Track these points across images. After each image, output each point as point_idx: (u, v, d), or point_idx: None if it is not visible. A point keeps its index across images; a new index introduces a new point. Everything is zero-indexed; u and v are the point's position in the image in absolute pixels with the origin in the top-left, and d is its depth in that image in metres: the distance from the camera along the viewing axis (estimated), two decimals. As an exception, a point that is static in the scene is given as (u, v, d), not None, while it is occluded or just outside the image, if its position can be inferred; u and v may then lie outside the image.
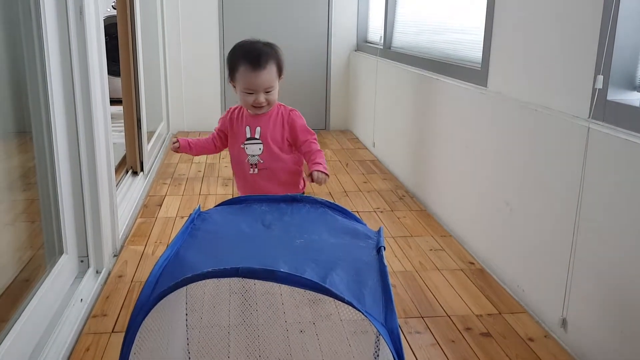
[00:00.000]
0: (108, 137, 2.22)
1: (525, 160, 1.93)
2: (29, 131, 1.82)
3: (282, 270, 0.83)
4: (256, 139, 1.70)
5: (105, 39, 2.21)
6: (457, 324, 1.77)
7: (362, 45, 4.50)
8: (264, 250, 0.96)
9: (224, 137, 1.79)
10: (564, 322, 1.69)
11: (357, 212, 2.75)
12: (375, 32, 4.22)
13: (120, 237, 2.34)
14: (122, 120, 3.17)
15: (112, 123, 2.36)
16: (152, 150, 3.57)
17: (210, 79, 4.53)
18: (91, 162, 2.02)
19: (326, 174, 1.63)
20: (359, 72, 4.39)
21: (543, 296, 1.82)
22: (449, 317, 1.82)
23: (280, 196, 1.21)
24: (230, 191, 3.06)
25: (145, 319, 0.84)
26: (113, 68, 3.92)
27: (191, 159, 3.71)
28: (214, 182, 3.21)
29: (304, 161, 1.73)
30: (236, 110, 1.76)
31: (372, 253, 0.98)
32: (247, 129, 1.71)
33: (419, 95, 3.02)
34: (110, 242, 2.21)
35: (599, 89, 1.56)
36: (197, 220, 1.05)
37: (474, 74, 2.40)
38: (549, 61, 1.82)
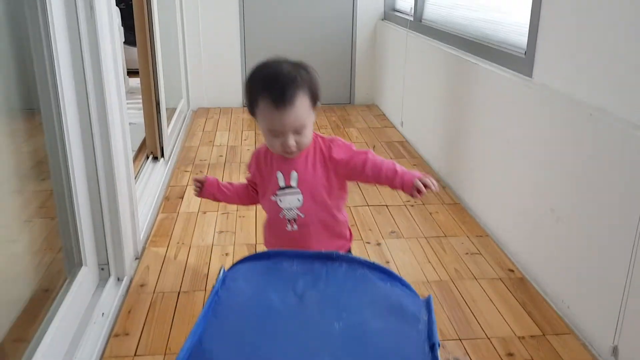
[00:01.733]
0: (124, 122, 2.06)
1: (575, 165, 1.77)
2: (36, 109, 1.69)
3: None
4: (292, 187, 1.32)
5: (121, 6, 2.02)
6: (498, 349, 1.66)
7: (390, 14, 4.27)
8: (299, 342, 0.84)
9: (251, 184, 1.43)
10: (614, 350, 1.56)
11: (387, 205, 2.62)
12: (405, 0, 3.98)
13: (141, 238, 2.26)
14: (141, 96, 3.04)
15: (131, 100, 2.13)
16: (172, 133, 3.46)
17: (231, 47, 4.33)
18: (106, 152, 1.88)
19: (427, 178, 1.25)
20: (387, 43, 4.17)
21: (592, 317, 1.69)
22: (489, 339, 1.70)
23: (313, 253, 1.06)
24: (254, 180, 2.94)
25: None
26: (131, 38, 3.78)
27: (212, 142, 3.59)
28: (236, 169, 3.09)
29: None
30: (262, 151, 1.37)
31: (424, 347, 0.85)
32: (279, 175, 1.32)
33: (453, 77, 2.83)
34: (131, 244, 2.13)
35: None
36: (221, 291, 0.93)
37: (517, 61, 2.21)
38: (609, 55, 1.63)
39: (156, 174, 2.94)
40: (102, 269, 1.96)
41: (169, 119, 3.42)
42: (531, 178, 2.04)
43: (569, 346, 1.68)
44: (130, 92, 3.50)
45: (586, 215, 1.71)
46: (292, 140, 1.24)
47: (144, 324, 1.75)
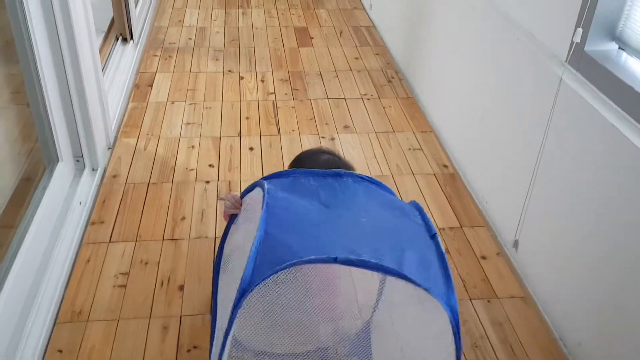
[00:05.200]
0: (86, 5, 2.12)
1: (500, 79, 1.95)
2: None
3: (371, 260, 0.94)
4: None
5: None
6: (420, 239, 1.96)
7: None
8: (343, 233, 1.06)
9: None
10: (516, 243, 1.87)
11: (345, 99, 2.80)
12: None
13: (113, 128, 2.44)
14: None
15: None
16: (142, 11, 3.47)
17: None
18: (70, 36, 1.94)
19: None
20: None
21: (502, 213, 1.98)
22: (415, 230, 2.00)
23: (324, 171, 1.24)
24: (222, 67, 3.06)
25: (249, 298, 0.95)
26: None
27: (182, 22, 3.62)
28: (205, 55, 3.19)
29: None
30: None
31: (425, 232, 1.11)
32: None
33: (416, -29, 2.86)
34: (103, 135, 2.31)
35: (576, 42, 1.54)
36: (268, 198, 1.11)
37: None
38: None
39: (126, 58, 3.03)
40: (77, 161, 2.17)
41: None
42: (469, 80, 2.22)
43: (480, 237, 1.98)
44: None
45: (505, 120, 1.93)
46: None
47: (117, 213, 2.00)
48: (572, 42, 1.57)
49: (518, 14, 1.86)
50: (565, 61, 1.60)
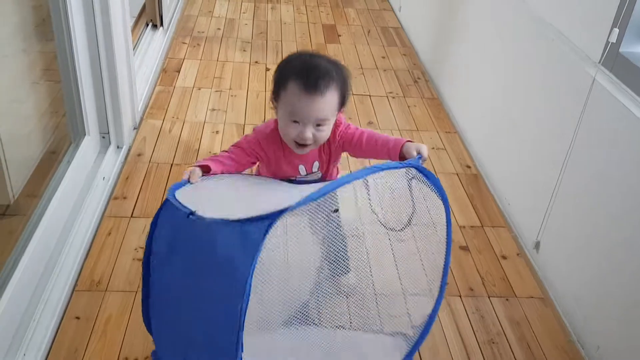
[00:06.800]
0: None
1: (531, 80, 1.94)
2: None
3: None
4: (314, 172, 1.37)
5: None
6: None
7: None
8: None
9: (244, 164, 1.33)
10: (537, 245, 1.85)
11: (370, 96, 2.80)
12: None
13: (139, 109, 2.46)
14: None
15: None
16: (172, 0, 3.50)
17: None
18: (106, 17, 1.98)
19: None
20: None
21: (524, 215, 1.96)
22: (434, 224, 1.98)
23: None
24: (248, 58, 3.08)
25: None
26: None
27: (211, 12, 3.65)
28: (233, 45, 3.21)
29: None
30: (273, 147, 1.32)
31: None
32: (301, 167, 1.34)
33: (449, -28, 2.86)
34: (129, 114, 2.34)
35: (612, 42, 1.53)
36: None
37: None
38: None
39: (155, 44, 3.06)
40: (103, 137, 2.19)
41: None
42: (498, 82, 2.21)
43: (501, 237, 1.97)
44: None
45: (533, 121, 1.91)
46: (309, 132, 1.22)
47: (140, 190, 2.02)
48: (607, 43, 1.56)
49: (552, 15, 1.85)
50: (599, 62, 1.59)
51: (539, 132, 1.89)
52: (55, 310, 1.51)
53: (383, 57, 3.23)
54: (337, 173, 1.46)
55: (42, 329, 1.46)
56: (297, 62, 1.25)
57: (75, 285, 1.61)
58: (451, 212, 1.15)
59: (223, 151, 1.32)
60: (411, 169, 1.13)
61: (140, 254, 1.73)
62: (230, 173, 1.27)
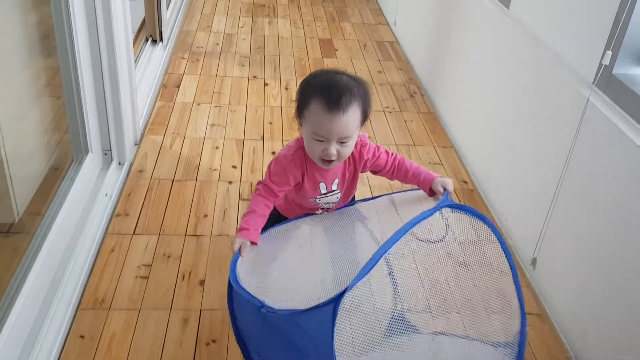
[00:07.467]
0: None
1: (526, 98, 1.98)
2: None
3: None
4: (334, 191, 1.41)
5: None
6: (438, 251, 1.98)
7: None
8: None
9: (281, 197, 1.40)
10: (534, 261, 1.88)
11: (367, 110, 2.84)
12: None
13: (140, 125, 2.49)
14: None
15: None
16: (172, 14, 3.54)
17: None
18: (109, 31, 2.01)
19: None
20: None
21: (521, 231, 2.00)
22: (433, 242, 2.02)
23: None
24: (247, 73, 3.11)
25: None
26: None
27: (210, 27, 3.69)
28: (231, 60, 3.25)
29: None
30: (300, 168, 1.35)
31: None
32: (322, 185, 1.38)
33: (444, -11, 2.91)
34: (131, 130, 2.36)
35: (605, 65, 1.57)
36: None
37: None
38: (574, 5, 1.78)
39: (155, 59, 3.09)
40: (105, 154, 2.21)
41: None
42: (495, 101, 2.25)
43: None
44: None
45: (529, 138, 1.95)
46: (334, 149, 1.25)
47: (142, 207, 2.04)
48: (600, 65, 1.60)
49: (547, 35, 1.90)
50: (593, 83, 1.63)
51: (535, 149, 1.93)
52: (60, 329, 1.53)
53: (379, 72, 3.27)
54: (354, 192, 1.51)
55: (47, 347, 1.48)
56: (318, 80, 1.28)
57: (79, 303, 1.63)
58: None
59: (255, 192, 1.37)
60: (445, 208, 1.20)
61: (143, 272, 1.76)
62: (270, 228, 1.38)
